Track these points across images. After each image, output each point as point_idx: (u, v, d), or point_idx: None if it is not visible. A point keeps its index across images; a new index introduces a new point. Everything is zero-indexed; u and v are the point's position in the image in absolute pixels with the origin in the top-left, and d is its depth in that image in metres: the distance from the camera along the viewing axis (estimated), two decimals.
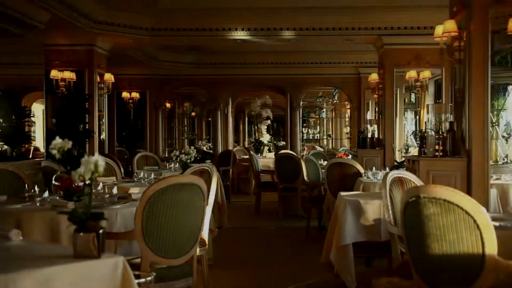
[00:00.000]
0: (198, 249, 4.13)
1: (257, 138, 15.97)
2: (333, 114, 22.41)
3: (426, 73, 10.47)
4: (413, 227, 3.06)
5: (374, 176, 6.57)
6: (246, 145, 20.67)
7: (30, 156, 10.40)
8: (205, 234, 4.70)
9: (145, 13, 10.45)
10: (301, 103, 16.17)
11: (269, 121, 16.00)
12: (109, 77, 11.52)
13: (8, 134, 8.70)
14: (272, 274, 6.25)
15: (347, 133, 19.38)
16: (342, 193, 5.26)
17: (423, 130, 7.64)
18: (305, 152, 15.82)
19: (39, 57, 9.65)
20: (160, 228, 3.61)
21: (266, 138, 15.09)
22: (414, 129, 14.72)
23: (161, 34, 10.99)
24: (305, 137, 23.01)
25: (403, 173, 4.79)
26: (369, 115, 15.65)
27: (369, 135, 10.85)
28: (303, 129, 22.25)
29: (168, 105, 17.88)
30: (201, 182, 3.83)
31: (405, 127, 13.42)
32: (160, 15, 10.55)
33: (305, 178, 8.93)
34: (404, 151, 9.22)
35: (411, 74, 10.50)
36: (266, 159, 13.48)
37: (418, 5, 9.92)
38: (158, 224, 3.61)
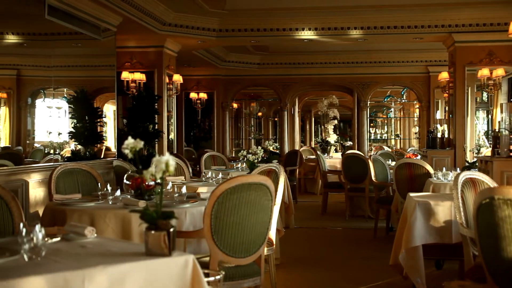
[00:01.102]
0: (265, 249, 4.15)
1: (323, 138, 15.85)
2: (401, 113, 22.05)
3: (499, 71, 10.16)
4: (487, 229, 2.98)
5: (445, 177, 6.42)
6: (313, 145, 20.59)
7: (102, 156, 10.68)
8: (272, 234, 4.72)
9: (212, 15, 10.57)
10: (369, 102, 15.98)
11: (336, 121, 15.85)
12: (177, 78, 11.72)
13: (82, 134, 8.95)
14: (340, 275, 6.21)
15: (415, 133, 19.04)
16: (412, 194, 5.17)
17: (497, 130, 7.42)
18: (372, 152, 15.64)
19: (111, 59, 9.90)
20: (229, 227, 3.65)
21: (333, 138, 14.96)
22: (486, 129, 14.30)
23: (228, 35, 11.10)
24: (372, 137, 22.73)
25: (475, 174, 4.66)
26: (439, 115, 15.32)
27: (439, 135, 10.62)
28: (371, 129, 21.98)
29: (235, 105, 18.02)
30: (268, 182, 3.84)
31: (476, 127, 13.06)
32: (227, 16, 10.65)
33: (373, 178, 8.82)
34: (476, 151, 8.98)
35: (483, 72, 10.22)
36: (333, 159, 13.39)
37: (490, 1, 9.64)
38: (227, 223, 3.64)
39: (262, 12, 10.65)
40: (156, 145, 10.40)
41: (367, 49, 13.99)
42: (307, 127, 25.79)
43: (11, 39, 8.71)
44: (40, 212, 5.63)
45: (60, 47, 8.76)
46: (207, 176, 6.57)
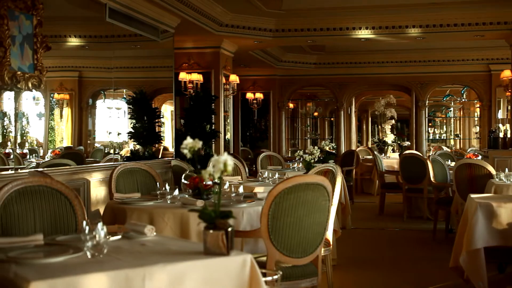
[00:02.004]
0: (322, 249, 4.13)
1: (380, 138, 15.67)
2: (461, 113, 21.57)
3: None
4: None
5: (507, 178, 6.25)
6: (370, 145, 20.37)
7: (160, 156, 10.84)
8: (329, 234, 4.69)
9: (269, 15, 10.59)
10: (427, 102, 15.69)
11: (393, 121, 15.64)
12: (234, 78, 11.79)
13: (141, 134, 9.11)
14: (397, 277, 6.12)
15: (476, 133, 18.59)
16: (473, 195, 5.05)
17: None
18: (431, 152, 15.35)
19: (169, 60, 10.05)
20: (286, 227, 3.65)
21: (390, 138, 14.76)
22: None
23: (285, 35, 11.10)
24: (431, 137, 22.31)
25: None
26: (501, 114, 14.91)
27: (501, 135, 10.33)
28: (429, 129, 21.59)
29: (291, 105, 18.00)
30: (326, 182, 3.82)
31: None
32: (284, 16, 10.65)
33: (432, 179, 8.66)
34: None
35: None
36: (390, 160, 13.22)
37: None
38: (284, 223, 3.64)
39: (319, 12, 10.60)
40: (213, 145, 10.49)
41: (426, 47, 13.75)
42: (364, 127, 25.52)
43: (73, 41, 8.95)
44: (101, 210, 5.76)
45: (120, 49, 8.94)
46: (264, 176, 6.58)
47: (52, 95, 9.83)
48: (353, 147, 16.74)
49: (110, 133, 11.01)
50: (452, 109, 22.30)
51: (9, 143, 8.56)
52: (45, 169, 6.47)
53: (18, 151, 8.75)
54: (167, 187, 4.61)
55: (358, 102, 19.63)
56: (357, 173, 13.72)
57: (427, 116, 16.08)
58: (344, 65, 15.34)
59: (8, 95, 8.47)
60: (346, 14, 10.64)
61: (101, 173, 7.03)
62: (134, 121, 9.20)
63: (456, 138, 21.35)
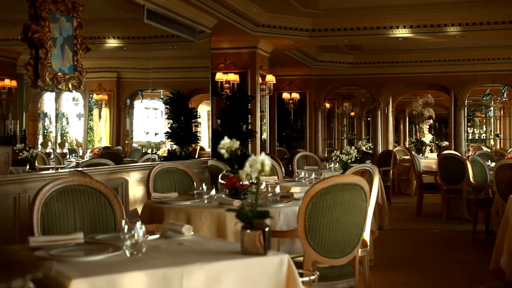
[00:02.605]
0: (360, 250, 4.11)
1: (418, 138, 15.48)
2: (502, 112, 21.18)
3: None
4: None
5: None
6: (407, 145, 20.16)
7: (197, 156, 10.90)
8: (366, 235, 4.66)
9: (305, 15, 10.56)
10: (466, 101, 15.45)
11: (431, 121, 15.42)
12: (270, 78, 11.79)
13: (178, 134, 9.17)
14: (436, 279, 6.05)
15: None
16: None
17: None
18: (470, 152, 15.11)
19: (206, 60, 10.10)
20: (323, 227, 3.64)
21: (427, 138, 14.57)
22: None
23: (321, 34, 11.05)
24: (470, 137, 21.96)
25: None
26: None
27: None
28: (468, 128, 21.25)
29: (327, 105, 17.92)
30: (363, 183, 3.80)
31: None
32: (320, 15, 10.60)
33: (471, 179, 8.52)
34: None
35: None
36: (428, 160, 13.06)
37: None
38: (321, 223, 3.63)
39: (356, 11, 10.53)
40: (249, 145, 10.50)
41: (465, 46, 13.52)
42: (401, 126, 25.26)
43: (112, 43, 9.07)
44: (139, 209, 5.82)
45: (157, 50, 9.03)
46: (300, 176, 6.57)
47: (91, 95, 9.98)
48: (390, 147, 16.58)
49: (147, 133, 11.13)
50: (492, 108, 21.91)
51: (49, 143, 8.72)
52: (85, 168, 6.57)
53: (58, 151, 8.90)
54: (204, 186, 4.64)
55: (395, 102, 19.43)
56: (394, 174, 13.59)
57: (466, 115, 15.83)
58: (381, 64, 15.20)
59: (49, 96, 8.63)
60: (383, 13, 10.54)
61: (139, 173, 7.11)
62: (171, 121, 9.27)
63: (496, 138, 20.97)
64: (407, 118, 25.10)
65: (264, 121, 12.28)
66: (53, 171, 6.52)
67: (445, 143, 15.77)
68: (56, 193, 3.43)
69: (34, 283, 1.54)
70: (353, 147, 7.67)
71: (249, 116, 10.27)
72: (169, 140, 9.45)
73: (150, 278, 2.31)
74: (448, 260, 6.99)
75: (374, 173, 5.36)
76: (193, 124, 9.49)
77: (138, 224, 2.60)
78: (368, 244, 4.81)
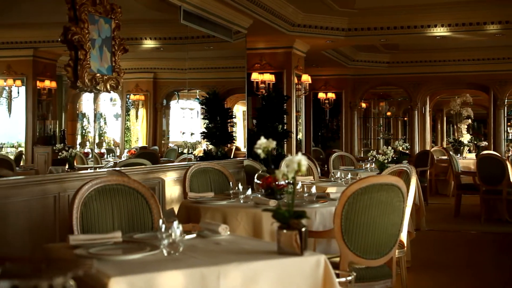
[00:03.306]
0: (397, 251, 4.07)
1: (456, 138, 15.27)
2: None
3: None
4: None
5: None
6: (444, 145, 19.90)
7: (232, 155, 10.94)
8: (403, 236, 4.62)
9: (341, 14, 10.50)
10: (506, 101, 15.16)
11: (469, 120, 15.20)
12: (306, 78, 11.76)
13: (213, 134, 9.22)
14: (475, 282, 5.95)
15: None
16: None
17: None
18: (510, 153, 14.85)
19: (241, 60, 10.13)
20: (359, 228, 3.62)
21: (466, 138, 14.36)
22: None
23: (358, 34, 10.98)
24: (510, 137, 21.56)
25: None
26: None
27: None
28: (508, 128, 20.86)
29: (363, 104, 17.79)
30: (400, 183, 3.77)
31: None
32: (357, 15, 10.53)
33: None
34: None
35: None
36: (466, 160, 12.87)
37: None
38: (357, 224, 3.61)
39: (392, 10, 10.43)
40: (285, 145, 10.49)
41: (505, 44, 13.27)
42: (439, 126, 24.93)
43: (149, 44, 9.16)
44: (175, 209, 5.87)
45: (193, 50, 9.08)
46: (336, 176, 6.54)
47: (128, 96, 10.10)
48: (428, 147, 16.38)
49: (183, 133, 11.22)
50: None
51: (87, 143, 8.85)
52: (122, 168, 6.65)
53: (96, 150, 9.03)
54: (240, 186, 4.65)
55: (432, 101, 19.19)
56: (432, 174, 13.42)
57: (506, 115, 15.54)
58: (418, 63, 15.02)
59: (87, 97, 8.75)
60: (421, 12, 10.41)
61: (175, 173, 7.16)
62: (207, 121, 9.32)
63: None
64: (445, 118, 24.78)
65: (300, 121, 12.25)
66: (92, 171, 6.62)
67: (484, 143, 15.52)
68: (94, 193, 3.48)
69: (74, 280, 1.57)
70: (389, 147, 7.60)
71: (285, 116, 10.26)
72: (205, 140, 9.50)
73: (188, 277, 2.32)
74: (487, 263, 6.87)
75: (412, 174, 5.30)
76: (229, 124, 9.52)
77: (175, 223, 2.62)
78: (405, 245, 4.76)
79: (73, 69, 5.31)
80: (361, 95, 16.06)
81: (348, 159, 10.41)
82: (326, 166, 11.05)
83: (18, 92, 7.25)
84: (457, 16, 10.39)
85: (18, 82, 7.28)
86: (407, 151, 15.53)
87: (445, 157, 13.58)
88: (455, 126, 16.51)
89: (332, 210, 3.74)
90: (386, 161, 7.26)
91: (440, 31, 10.68)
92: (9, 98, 7.24)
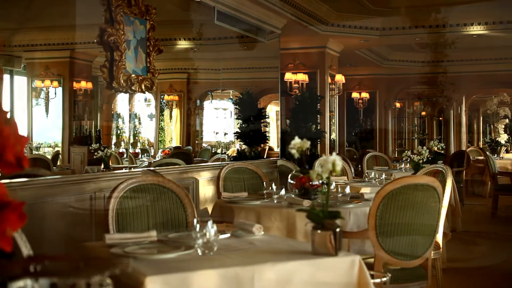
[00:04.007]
0: (432, 252, 4.02)
1: (493, 138, 15.05)
2: None
3: None
4: None
5: None
6: (481, 146, 19.61)
7: (265, 156, 10.95)
8: (439, 237, 4.56)
9: (376, 13, 10.43)
10: None
11: (507, 120, 14.95)
12: (339, 78, 11.72)
13: (247, 134, 9.24)
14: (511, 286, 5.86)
15: None
16: None
17: None
18: None
19: (275, 60, 10.14)
20: (394, 228, 3.58)
21: (503, 138, 14.13)
22: None
23: (392, 33, 10.89)
24: None
25: None
26: None
27: None
28: None
29: (397, 104, 17.65)
30: (436, 183, 3.72)
31: None
32: (391, 14, 10.44)
33: None
34: None
35: None
36: (504, 160, 12.66)
37: None
38: (392, 224, 3.58)
39: (427, 8, 10.31)
40: (318, 145, 10.46)
41: None
42: (475, 126, 24.59)
43: (183, 44, 9.22)
44: (209, 209, 5.90)
45: (227, 51, 9.12)
46: (370, 176, 6.50)
47: (162, 96, 10.18)
48: (463, 147, 16.16)
49: (217, 133, 11.27)
50: None
51: (122, 143, 8.95)
52: (156, 168, 6.71)
53: (131, 150, 9.12)
54: (274, 186, 4.65)
55: (468, 101, 18.94)
56: (468, 174, 13.23)
57: None
58: (453, 62, 14.82)
59: (122, 97, 8.85)
60: (456, 10, 10.27)
61: (209, 173, 7.19)
62: (240, 121, 9.34)
63: None
64: (481, 118, 24.42)
65: (333, 121, 12.20)
66: (127, 171, 6.69)
67: None
68: (130, 192, 3.51)
69: (111, 279, 1.59)
70: (424, 147, 7.52)
71: (318, 116, 10.23)
72: (239, 140, 9.53)
73: (222, 277, 2.33)
74: None
75: (447, 174, 5.23)
76: (262, 124, 9.53)
77: (210, 223, 2.63)
78: (441, 246, 4.70)
79: (109, 70, 5.38)
80: (395, 95, 15.93)
81: (382, 159, 10.32)
82: (360, 166, 10.98)
83: (55, 93, 7.37)
84: (494, 14, 10.23)
85: (55, 83, 7.40)
86: (442, 151, 15.35)
87: (482, 157, 13.38)
88: (491, 126, 16.28)
89: (366, 211, 3.71)
90: (421, 161, 7.19)
91: (476, 30, 10.52)
92: (47, 99, 7.36)
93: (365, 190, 5.33)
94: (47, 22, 6.87)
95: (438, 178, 4.90)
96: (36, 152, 7.28)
